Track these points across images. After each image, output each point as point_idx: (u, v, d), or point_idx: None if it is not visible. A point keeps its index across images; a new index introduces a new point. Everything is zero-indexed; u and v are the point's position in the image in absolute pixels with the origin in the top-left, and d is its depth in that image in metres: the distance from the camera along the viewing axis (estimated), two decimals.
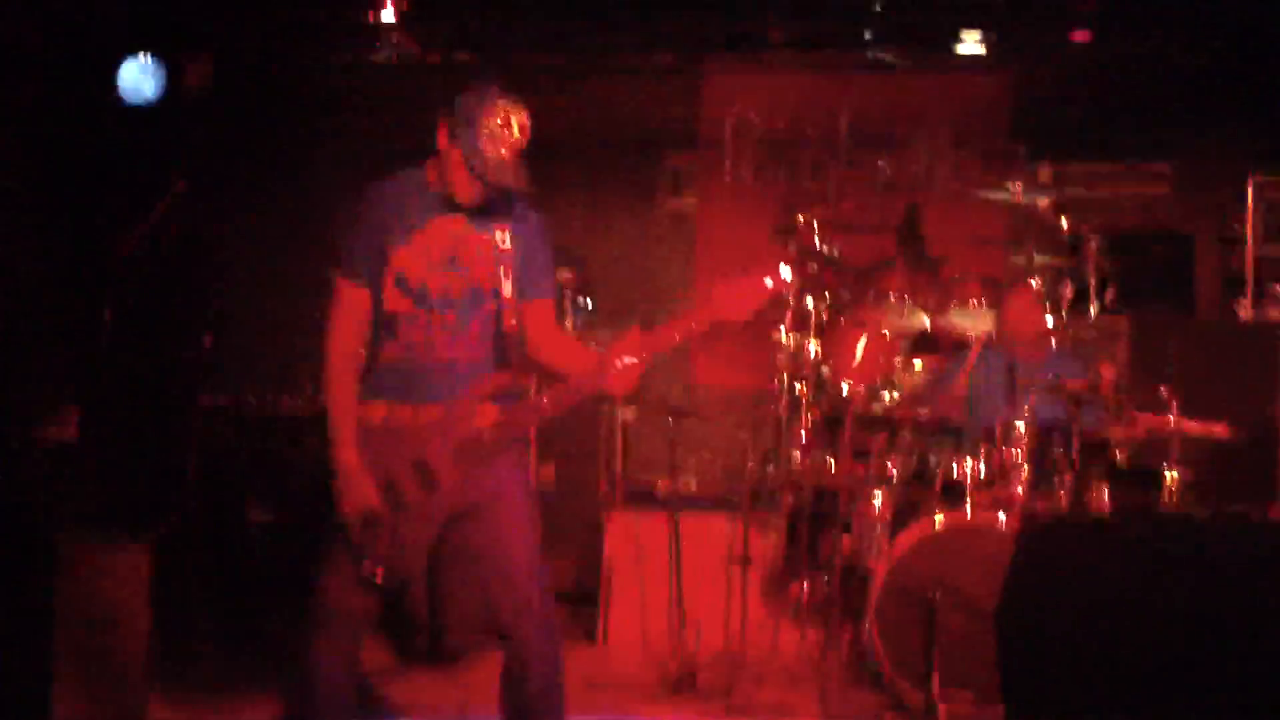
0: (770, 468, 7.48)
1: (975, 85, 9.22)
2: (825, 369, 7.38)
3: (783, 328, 7.50)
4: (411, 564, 4.78)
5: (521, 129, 4.67)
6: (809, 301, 7.41)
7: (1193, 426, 6.50)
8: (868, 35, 8.84)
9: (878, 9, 8.60)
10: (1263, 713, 4.17)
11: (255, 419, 7.67)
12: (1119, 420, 6.52)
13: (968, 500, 6.41)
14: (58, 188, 7.56)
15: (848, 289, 7.84)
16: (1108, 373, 6.64)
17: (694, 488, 7.94)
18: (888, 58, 9.09)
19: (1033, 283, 7.15)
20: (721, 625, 6.98)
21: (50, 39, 7.68)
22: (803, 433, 6.93)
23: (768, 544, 7.29)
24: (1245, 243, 8.32)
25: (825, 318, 7.50)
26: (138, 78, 8.07)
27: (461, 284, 4.76)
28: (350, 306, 4.79)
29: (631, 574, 7.42)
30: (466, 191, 4.72)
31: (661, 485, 7.62)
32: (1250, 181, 8.32)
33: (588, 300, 8.59)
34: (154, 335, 7.68)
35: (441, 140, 4.70)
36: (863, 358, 7.72)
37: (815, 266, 7.66)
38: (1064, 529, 5.18)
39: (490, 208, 4.78)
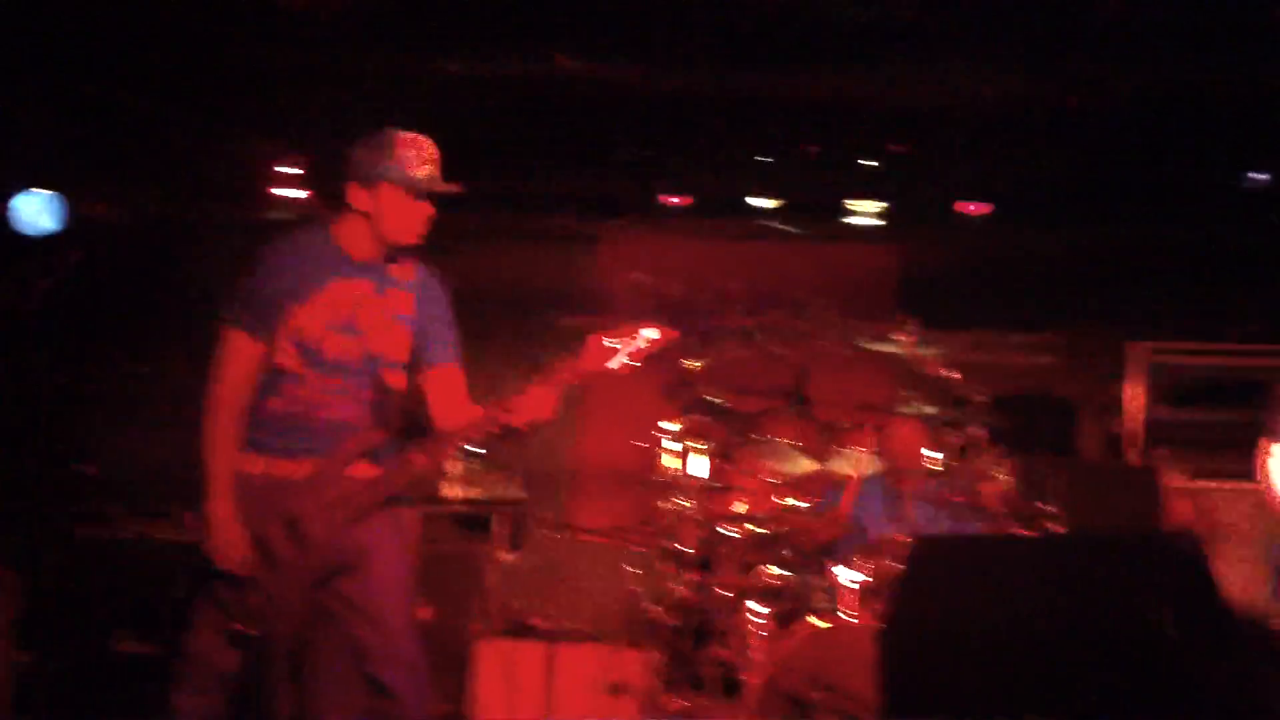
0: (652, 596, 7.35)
1: (865, 255, 9.39)
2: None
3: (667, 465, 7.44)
4: (283, 621, 4.62)
5: (432, 149, 4.68)
6: (696, 448, 7.38)
7: None
8: (758, 204, 8.99)
9: (771, 178, 8.76)
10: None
11: (129, 547, 7.51)
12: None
13: (848, 608, 6.31)
14: None
15: (735, 435, 7.84)
16: (991, 488, 6.64)
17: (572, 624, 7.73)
18: (779, 226, 9.27)
19: (916, 416, 7.21)
20: None
21: None
22: (683, 550, 6.80)
23: (647, 669, 7.09)
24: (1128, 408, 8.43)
25: (711, 465, 7.45)
26: (37, 211, 8.04)
27: (358, 350, 4.68)
28: (239, 358, 4.66)
29: (502, 706, 7.17)
30: (371, 250, 4.68)
31: (539, 620, 7.44)
32: (1132, 349, 8.44)
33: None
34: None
35: (356, 198, 4.66)
36: (749, 505, 7.73)
37: (702, 414, 7.66)
38: (951, 545, 5.10)
39: (392, 271, 4.73)
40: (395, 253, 4.72)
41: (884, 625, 4.57)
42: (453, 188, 4.69)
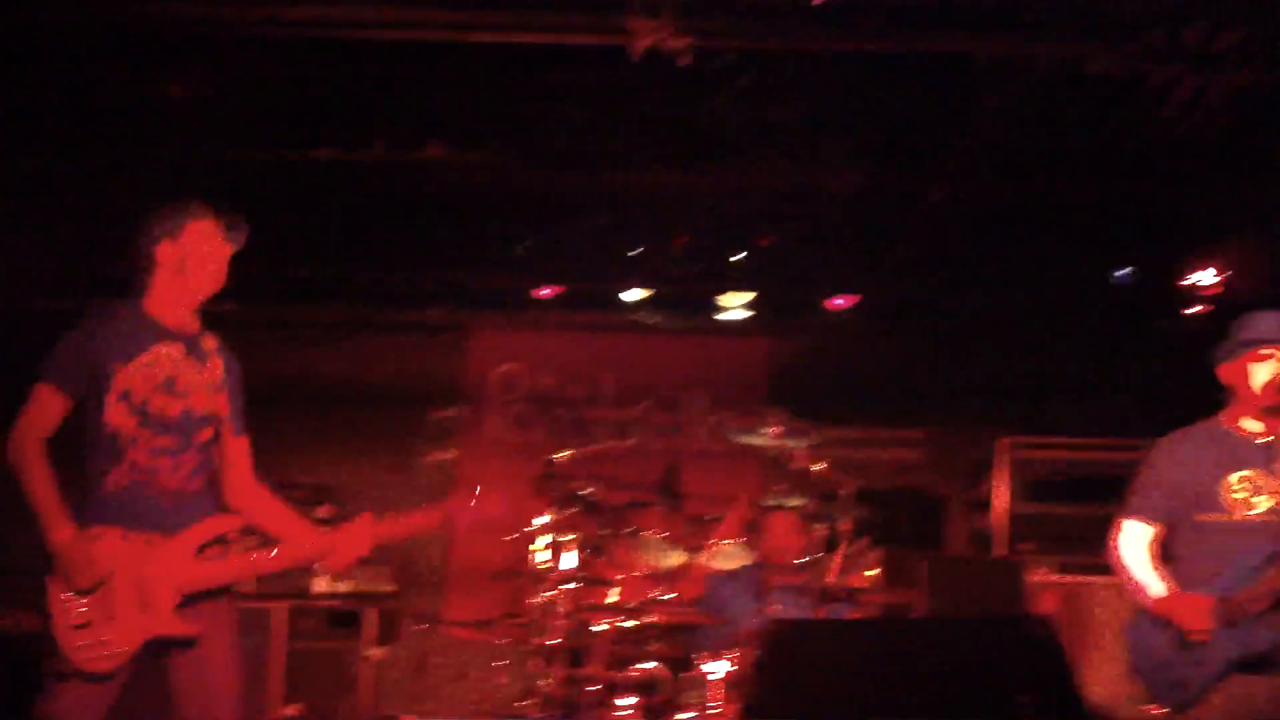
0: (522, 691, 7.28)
1: (735, 349, 9.45)
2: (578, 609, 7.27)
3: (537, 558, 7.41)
4: (111, 663, 4.66)
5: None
6: (566, 541, 7.34)
7: None
8: (628, 297, 9.04)
9: (641, 273, 8.80)
10: None
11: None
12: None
13: (715, 700, 6.26)
14: None
15: (605, 528, 7.82)
16: (858, 580, 6.69)
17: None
18: (650, 320, 9.32)
19: (792, 507, 7.23)
20: None
21: None
22: (552, 644, 6.74)
23: None
24: (994, 503, 8.49)
25: (581, 558, 7.42)
26: None
27: (180, 407, 4.83)
28: (42, 408, 4.76)
29: None
30: (179, 315, 4.89)
31: (410, 717, 7.33)
32: (999, 445, 8.53)
33: None
34: None
35: (163, 253, 4.87)
36: (620, 598, 7.68)
37: (573, 508, 7.64)
38: (805, 628, 5.11)
39: (198, 339, 4.93)
40: (200, 319, 4.95)
41: (744, 712, 4.54)
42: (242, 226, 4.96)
